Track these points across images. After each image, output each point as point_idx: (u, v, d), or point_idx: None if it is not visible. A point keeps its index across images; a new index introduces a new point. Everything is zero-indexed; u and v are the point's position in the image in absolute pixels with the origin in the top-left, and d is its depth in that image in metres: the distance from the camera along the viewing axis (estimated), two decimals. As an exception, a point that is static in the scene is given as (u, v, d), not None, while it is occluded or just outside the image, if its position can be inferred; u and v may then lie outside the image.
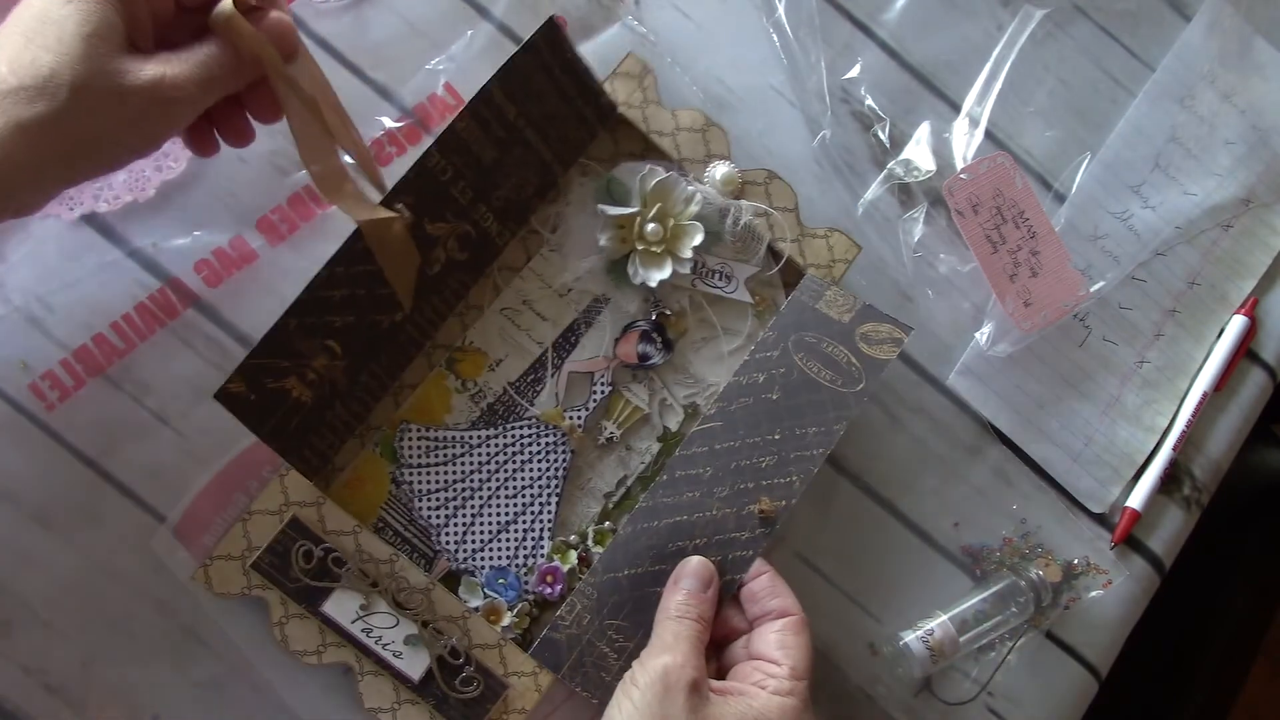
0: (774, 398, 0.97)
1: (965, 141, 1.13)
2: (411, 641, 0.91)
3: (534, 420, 1.00)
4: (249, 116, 0.90)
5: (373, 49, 1.04)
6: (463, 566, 0.97)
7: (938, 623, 1.02)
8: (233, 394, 0.85)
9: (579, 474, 1.01)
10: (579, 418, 1.01)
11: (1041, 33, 1.17)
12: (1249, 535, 1.60)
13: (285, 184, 1.01)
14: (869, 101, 1.13)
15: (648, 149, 1.04)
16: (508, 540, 0.98)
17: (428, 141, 1.03)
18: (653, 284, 1.01)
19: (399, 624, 0.91)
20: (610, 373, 1.02)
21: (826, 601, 1.05)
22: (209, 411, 0.86)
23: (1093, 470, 1.10)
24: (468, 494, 0.98)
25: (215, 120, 0.90)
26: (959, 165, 1.12)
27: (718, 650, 0.93)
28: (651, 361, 1.02)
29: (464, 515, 0.98)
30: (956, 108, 1.15)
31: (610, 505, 1.01)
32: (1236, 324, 1.15)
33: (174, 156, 0.97)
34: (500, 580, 0.97)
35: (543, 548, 0.98)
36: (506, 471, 0.99)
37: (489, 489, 0.99)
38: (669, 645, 0.86)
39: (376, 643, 0.90)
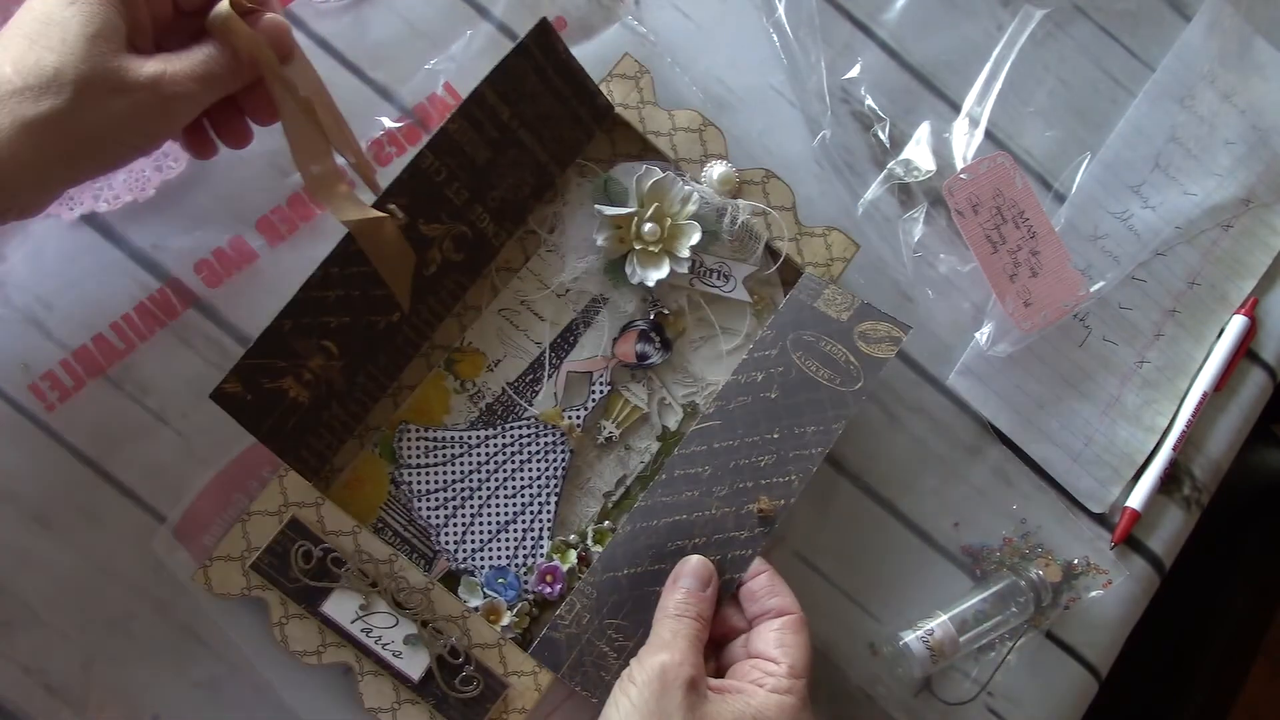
0: (772, 397, 0.97)
1: (965, 141, 1.13)
2: (411, 641, 0.91)
3: (533, 420, 1.00)
4: (246, 118, 0.90)
5: (373, 49, 1.05)
6: (462, 566, 0.97)
7: (938, 623, 1.02)
8: (229, 394, 0.86)
9: (578, 473, 1.01)
10: (578, 417, 1.01)
11: (1041, 33, 1.17)
12: (1249, 535, 1.60)
13: (285, 184, 1.01)
14: (869, 101, 1.13)
15: (645, 149, 1.04)
16: (507, 540, 0.98)
17: (426, 142, 1.03)
18: (651, 283, 1.01)
19: (398, 624, 0.91)
20: (609, 372, 1.02)
21: (826, 601, 1.05)
22: (209, 411, 0.86)
23: (1093, 470, 1.10)
24: (467, 494, 0.98)
25: (213, 122, 0.90)
26: (959, 165, 1.12)
27: (717, 649, 0.94)
28: (650, 361, 1.02)
29: (463, 515, 0.98)
30: (956, 108, 1.15)
31: (609, 505, 1.01)
32: (1236, 324, 1.15)
33: (174, 156, 0.97)
34: (500, 580, 0.97)
35: (542, 547, 0.99)
36: (506, 471, 0.99)
37: (488, 489, 0.99)
38: (667, 643, 0.86)
39: (376, 643, 0.91)
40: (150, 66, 0.79)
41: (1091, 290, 1.10)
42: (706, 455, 0.96)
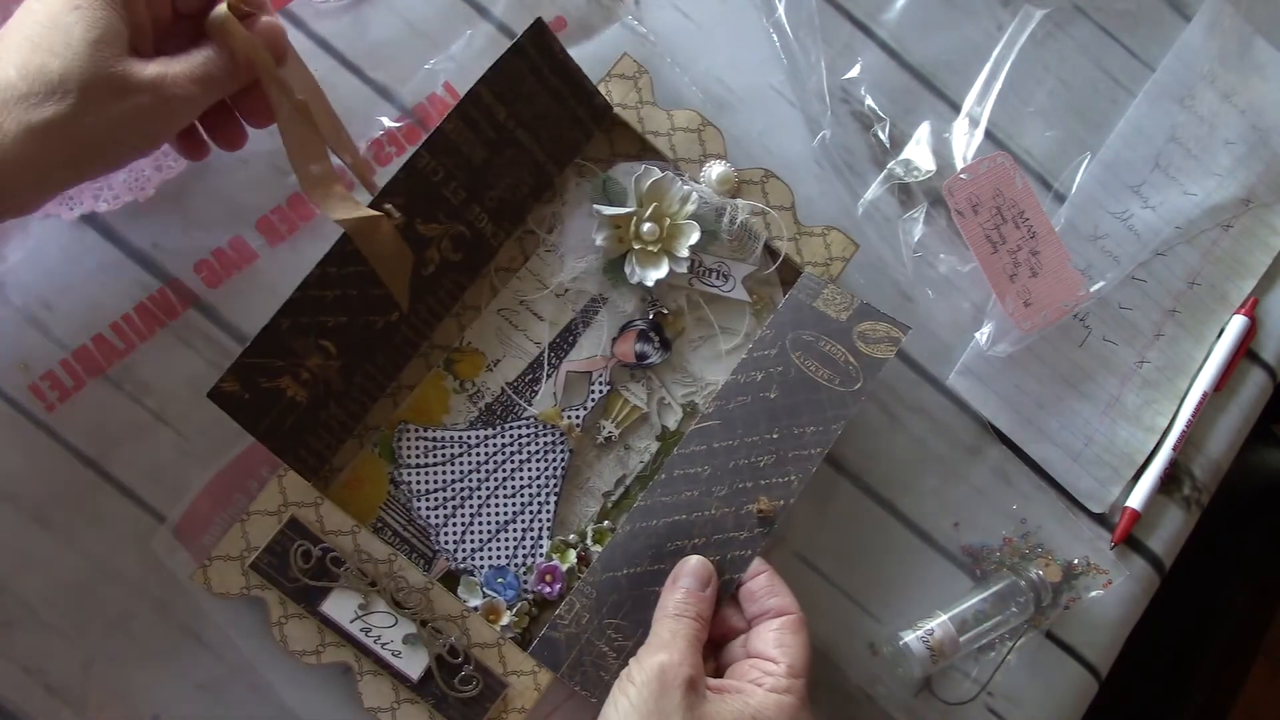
0: (772, 397, 0.97)
1: (965, 141, 1.13)
2: (410, 641, 0.91)
3: (532, 420, 1.00)
4: (241, 121, 0.91)
5: (373, 49, 1.05)
6: (462, 566, 0.97)
7: (938, 623, 1.02)
8: (226, 393, 0.86)
9: (577, 473, 1.01)
10: (577, 417, 1.01)
11: (1041, 33, 1.16)
12: (1249, 535, 1.60)
13: (285, 184, 1.01)
14: (869, 101, 1.13)
15: (644, 149, 1.04)
16: (506, 539, 0.98)
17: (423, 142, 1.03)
18: (650, 283, 1.01)
19: (398, 623, 0.91)
20: (608, 372, 1.02)
21: (826, 601, 1.05)
22: (209, 411, 0.86)
23: (1093, 470, 1.10)
24: (466, 494, 0.98)
25: (207, 125, 0.91)
26: (959, 165, 1.12)
27: (716, 649, 0.94)
28: (649, 361, 1.02)
29: (463, 515, 0.98)
30: (956, 108, 1.15)
31: (609, 504, 1.01)
32: (1236, 324, 1.15)
33: (174, 156, 0.97)
34: (499, 579, 0.97)
35: (541, 547, 0.99)
36: (505, 471, 0.99)
37: (487, 488, 0.99)
38: (666, 643, 0.86)
39: (375, 642, 0.91)
40: (151, 70, 0.79)
41: (1091, 290, 1.10)
42: (706, 455, 0.96)
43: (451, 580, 0.97)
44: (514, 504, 0.99)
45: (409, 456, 0.98)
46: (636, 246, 1.01)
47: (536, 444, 1.00)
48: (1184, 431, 1.12)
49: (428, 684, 0.91)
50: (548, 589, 0.97)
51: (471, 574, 0.97)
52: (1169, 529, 1.12)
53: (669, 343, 1.03)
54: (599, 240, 1.01)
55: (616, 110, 1.03)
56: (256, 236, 1.00)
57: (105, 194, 0.96)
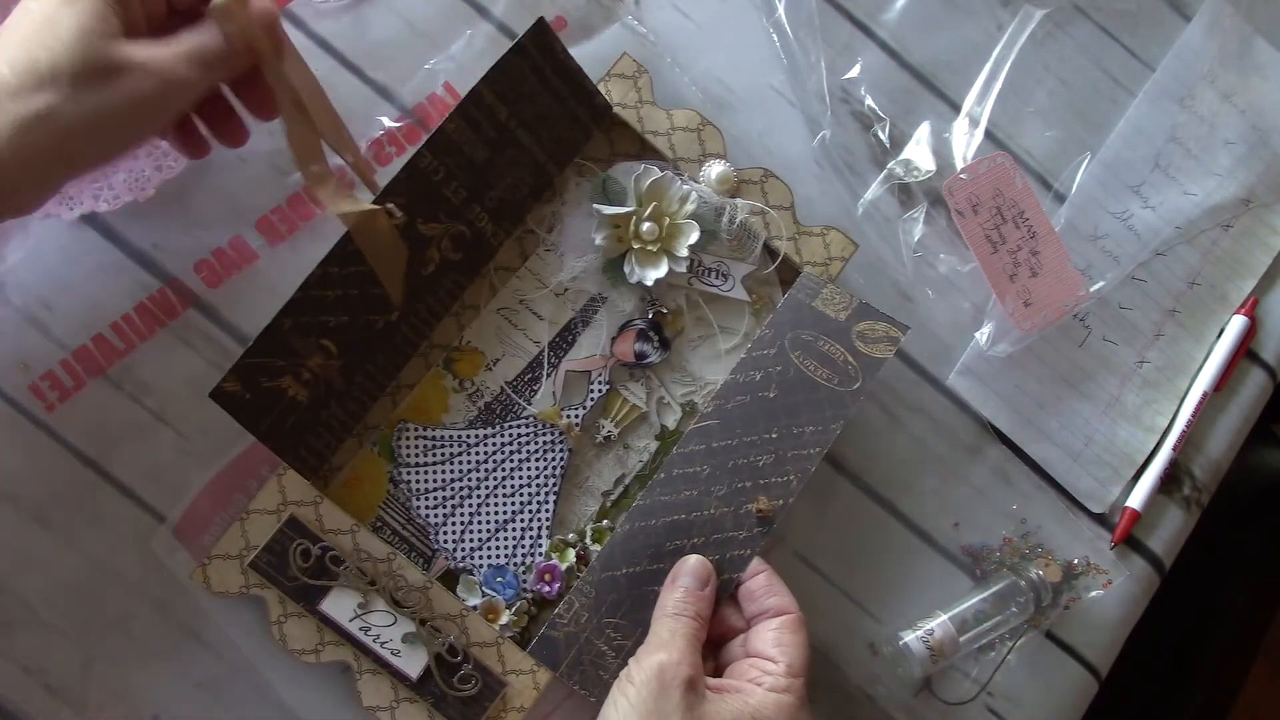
0: (771, 396, 0.97)
1: (965, 141, 1.13)
2: (409, 640, 0.91)
3: (531, 419, 1.00)
4: (242, 117, 0.91)
5: (373, 49, 1.05)
6: (461, 565, 0.97)
7: (938, 623, 1.02)
8: (228, 393, 0.86)
9: (577, 472, 1.01)
10: (576, 416, 1.01)
11: (1041, 33, 1.16)
12: (1249, 535, 1.60)
13: (285, 184, 1.01)
14: (869, 101, 1.13)
15: (643, 149, 1.04)
16: (506, 539, 0.98)
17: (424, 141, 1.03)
18: (649, 283, 1.01)
19: (397, 622, 0.91)
20: (607, 371, 1.02)
21: (826, 601, 1.05)
22: (209, 411, 0.86)
23: (1093, 470, 1.10)
24: (465, 493, 0.98)
25: (208, 120, 0.90)
26: (959, 165, 1.12)
27: (715, 649, 0.94)
28: (649, 360, 1.02)
29: (462, 514, 0.98)
30: (956, 108, 1.15)
31: (608, 504, 1.01)
32: (1236, 324, 1.14)
33: (174, 156, 0.97)
34: (498, 578, 0.97)
35: (541, 546, 0.99)
36: (504, 470, 0.99)
37: (487, 488, 0.99)
38: (665, 642, 0.86)
39: (375, 641, 0.91)
40: (145, 51, 0.78)
41: (1091, 290, 1.10)
42: (705, 455, 0.96)
43: (450, 579, 0.97)
44: (513, 503, 0.99)
45: (408, 455, 0.98)
46: (636, 246, 1.01)
47: (536, 443, 1.00)
48: (1184, 431, 1.12)
49: (427, 683, 0.91)
50: (547, 588, 0.97)
51: (470, 573, 0.97)
52: (1169, 529, 1.12)
53: (668, 342, 1.03)
54: (598, 240, 1.01)
55: (616, 110, 1.03)
56: (256, 236, 1.00)
57: (105, 194, 0.96)
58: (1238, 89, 1.18)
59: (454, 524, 0.98)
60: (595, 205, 1.01)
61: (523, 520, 0.99)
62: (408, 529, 0.97)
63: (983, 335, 1.10)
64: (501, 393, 1.00)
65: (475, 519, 0.98)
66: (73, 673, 0.93)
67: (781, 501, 0.94)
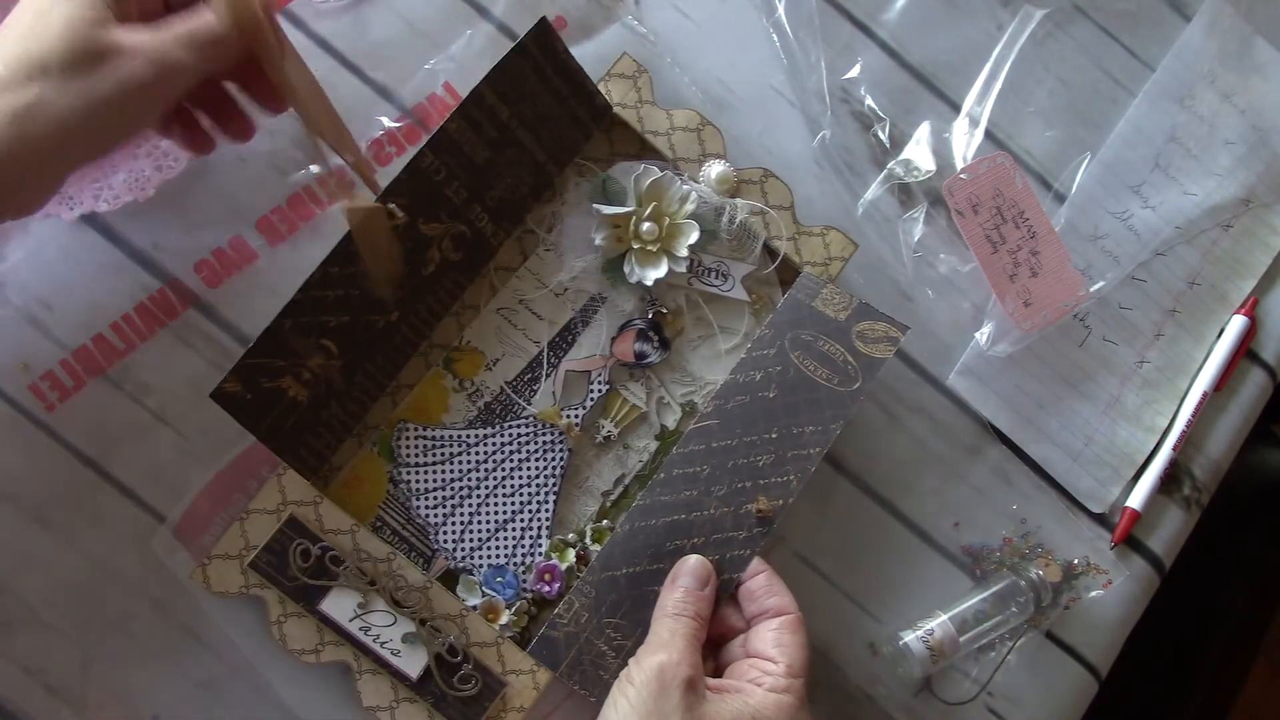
0: (771, 396, 0.97)
1: (965, 141, 1.13)
2: (409, 640, 0.91)
3: (531, 419, 1.00)
4: (246, 111, 0.91)
5: (373, 49, 1.05)
6: (461, 565, 0.97)
7: (938, 623, 1.02)
8: (228, 393, 0.86)
9: (577, 472, 1.01)
10: (576, 416, 1.01)
11: (1041, 33, 1.17)
12: (1249, 535, 1.60)
13: (285, 184, 1.01)
14: (869, 101, 1.13)
15: (643, 149, 1.04)
16: (506, 538, 0.98)
17: (426, 141, 1.03)
18: (649, 282, 1.01)
19: (397, 622, 0.91)
20: (607, 371, 1.02)
21: (826, 601, 1.05)
22: (209, 411, 0.86)
23: (1093, 470, 1.10)
24: (465, 492, 0.98)
25: (213, 114, 0.90)
26: (959, 165, 1.12)
27: (715, 649, 0.94)
28: (648, 360, 1.02)
29: (462, 514, 0.98)
30: (956, 108, 1.15)
31: (608, 504, 1.01)
32: (1236, 324, 1.14)
33: (174, 156, 0.97)
34: (498, 578, 0.97)
35: (540, 546, 0.99)
36: (504, 470, 0.99)
37: (487, 487, 0.99)
38: (665, 643, 0.86)
39: (374, 641, 0.91)
40: (138, 35, 0.78)
41: (1091, 290, 1.10)
42: (705, 455, 0.96)
43: (450, 579, 0.97)
44: (513, 503, 0.99)
45: (408, 455, 0.98)
46: (636, 246, 1.01)
47: (535, 443, 1.00)
48: (1184, 431, 1.12)
49: (426, 683, 0.91)
50: (546, 588, 0.97)
51: (470, 573, 0.97)
52: (1169, 529, 1.12)
53: (668, 342, 1.03)
54: (598, 240, 1.01)
55: (616, 110, 1.03)
56: (256, 236, 1.00)
57: (105, 194, 0.96)
58: (1238, 89, 1.18)
59: (454, 524, 0.98)
60: (595, 205, 1.01)
61: (523, 520, 0.99)
62: (407, 529, 0.97)
63: (983, 335, 1.10)
64: (501, 393, 1.00)
65: (475, 519, 0.98)
66: (73, 673, 0.93)
67: (781, 502, 0.94)
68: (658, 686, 0.82)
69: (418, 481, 0.98)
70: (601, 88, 1.02)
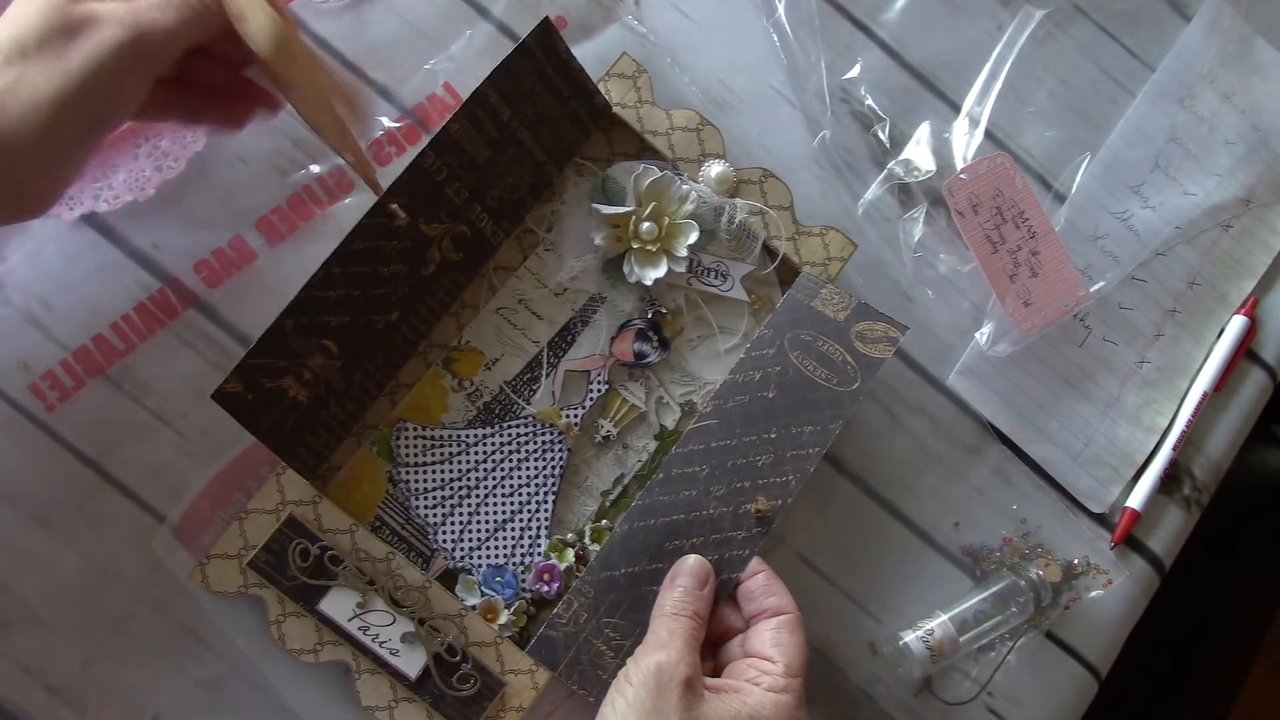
0: (770, 396, 0.97)
1: (965, 141, 1.13)
2: (408, 639, 0.91)
3: (530, 419, 1.00)
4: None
5: (372, 49, 1.05)
6: (460, 564, 0.97)
7: (938, 623, 1.02)
8: (230, 394, 0.86)
9: (576, 472, 1.01)
10: (576, 416, 1.01)
11: (1041, 33, 1.17)
12: (1249, 535, 1.60)
13: (285, 184, 1.01)
14: (869, 101, 1.13)
15: (642, 149, 1.04)
16: (505, 538, 0.98)
17: (427, 141, 1.03)
18: (648, 282, 1.01)
19: (396, 622, 0.91)
20: (606, 371, 1.02)
21: (826, 601, 1.05)
22: (209, 411, 0.86)
23: (1093, 470, 1.10)
24: (464, 492, 0.98)
25: (236, 92, 0.90)
26: (959, 165, 1.12)
27: (714, 649, 0.94)
28: (648, 360, 1.02)
29: (461, 513, 0.98)
30: (956, 108, 1.15)
31: (607, 503, 1.01)
32: (1236, 324, 1.15)
33: (174, 156, 0.97)
34: (497, 578, 0.97)
35: (540, 546, 0.99)
36: (503, 470, 0.99)
37: (486, 487, 0.99)
38: (664, 642, 0.86)
39: (373, 640, 0.91)
40: (111, 4, 0.78)
41: (1091, 290, 1.10)
42: (704, 455, 0.96)
43: (449, 579, 0.97)
44: (512, 503, 0.99)
45: (407, 455, 0.98)
46: (635, 246, 1.01)
47: (535, 443, 1.00)
48: (1184, 431, 1.12)
49: (425, 682, 0.91)
50: (545, 588, 0.97)
51: (469, 572, 0.97)
52: (1169, 529, 1.12)
53: (667, 342, 1.03)
54: (597, 239, 1.01)
55: (615, 110, 1.03)
56: (256, 236, 1.00)
57: (105, 194, 0.96)
58: (1238, 89, 1.18)
59: (453, 524, 0.98)
60: (594, 205, 1.01)
61: (521, 520, 0.99)
62: (406, 529, 0.97)
63: (983, 335, 1.10)
64: (500, 392, 1.00)
65: (474, 519, 0.98)
66: (73, 673, 0.93)
67: (780, 502, 0.94)
68: (655, 686, 0.82)
69: (417, 481, 0.98)
70: (601, 87, 1.02)
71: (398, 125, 1.04)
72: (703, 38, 1.11)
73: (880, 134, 1.12)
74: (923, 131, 1.13)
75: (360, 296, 0.91)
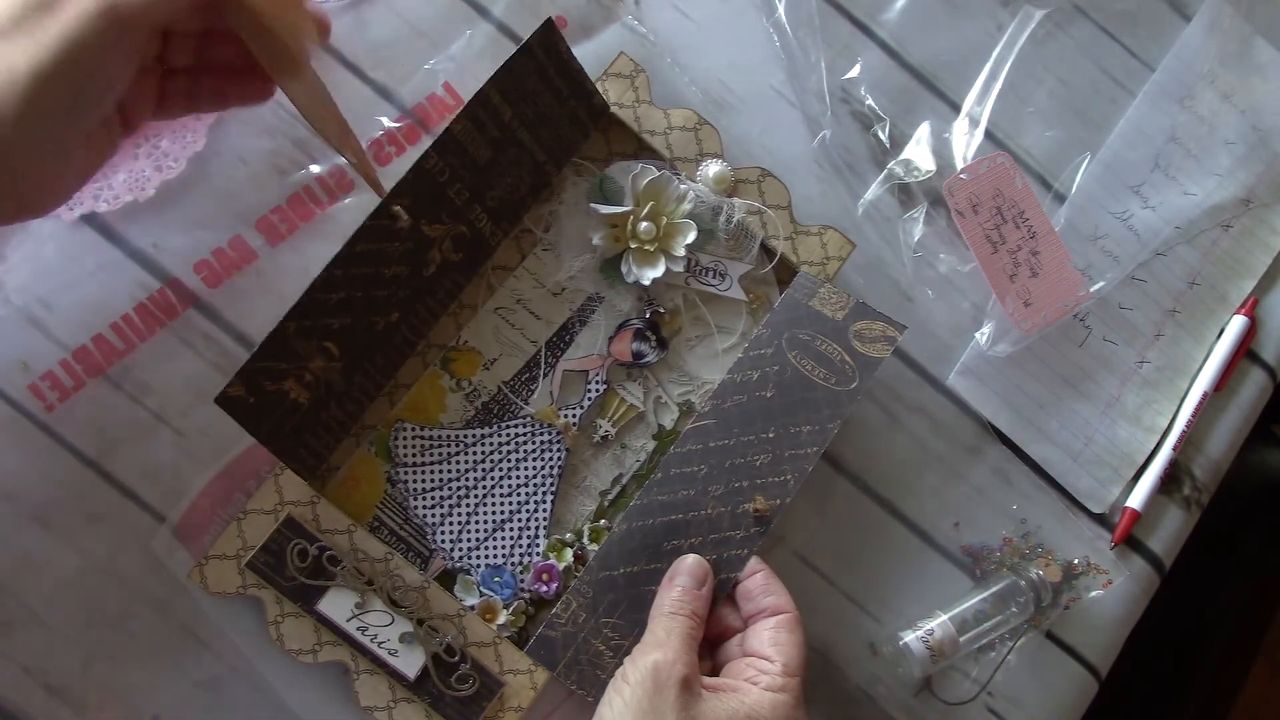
0: (768, 395, 0.97)
1: (965, 141, 1.13)
2: (407, 639, 0.91)
3: (529, 419, 1.00)
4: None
5: (373, 49, 1.05)
6: (458, 565, 0.97)
7: (938, 623, 1.02)
8: (232, 398, 0.85)
9: (574, 472, 1.01)
10: (574, 416, 1.01)
11: (1041, 33, 1.16)
12: (1249, 535, 1.60)
13: (285, 184, 1.01)
14: (869, 101, 1.13)
15: (640, 148, 1.04)
16: (503, 538, 0.98)
17: (427, 141, 1.03)
18: (646, 282, 1.01)
19: (394, 622, 0.91)
20: (605, 371, 1.02)
21: (825, 601, 1.05)
22: (209, 411, 0.86)
23: (1093, 470, 1.10)
24: (463, 492, 0.99)
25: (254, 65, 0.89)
26: (959, 165, 1.12)
27: (712, 649, 0.94)
28: (646, 359, 1.02)
29: (459, 513, 0.98)
30: (956, 108, 1.15)
31: (605, 503, 1.01)
32: (1236, 324, 1.14)
33: (174, 156, 0.98)
34: (496, 578, 0.97)
35: (538, 546, 0.99)
36: (502, 470, 0.99)
37: (484, 487, 0.99)
38: (661, 641, 0.86)
39: (372, 641, 0.91)
40: None
41: (1091, 290, 1.10)
42: (702, 454, 0.96)
43: (448, 579, 0.97)
44: (510, 503, 0.99)
45: (405, 455, 0.98)
46: (633, 245, 1.01)
47: (533, 443, 1.00)
48: (1184, 431, 1.12)
49: (424, 683, 0.91)
50: (544, 588, 0.97)
51: (468, 573, 0.97)
52: (1169, 529, 1.12)
53: (665, 342, 1.03)
54: (595, 239, 1.01)
55: (613, 109, 1.03)
56: (256, 236, 1.00)
57: (105, 194, 0.96)
58: (1238, 89, 1.18)
59: (451, 524, 0.98)
60: (592, 205, 1.01)
61: (520, 520, 0.99)
62: (405, 529, 0.97)
63: (983, 335, 1.10)
64: (499, 392, 1.00)
65: (473, 519, 0.98)
66: (73, 673, 0.93)
67: (779, 501, 0.94)
68: (653, 685, 0.82)
69: (415, 481, 0.98)
70: (599, 87, 1.02)
71: (398, 125, 1.04)
72: (703, 38, 1.11)
73: (880, 134, 1.12)
74: (923, 131, 1.13)
75: (362, 298, 0.91)
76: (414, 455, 0.98)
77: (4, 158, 0.75)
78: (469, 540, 0.98)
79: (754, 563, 0.94)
